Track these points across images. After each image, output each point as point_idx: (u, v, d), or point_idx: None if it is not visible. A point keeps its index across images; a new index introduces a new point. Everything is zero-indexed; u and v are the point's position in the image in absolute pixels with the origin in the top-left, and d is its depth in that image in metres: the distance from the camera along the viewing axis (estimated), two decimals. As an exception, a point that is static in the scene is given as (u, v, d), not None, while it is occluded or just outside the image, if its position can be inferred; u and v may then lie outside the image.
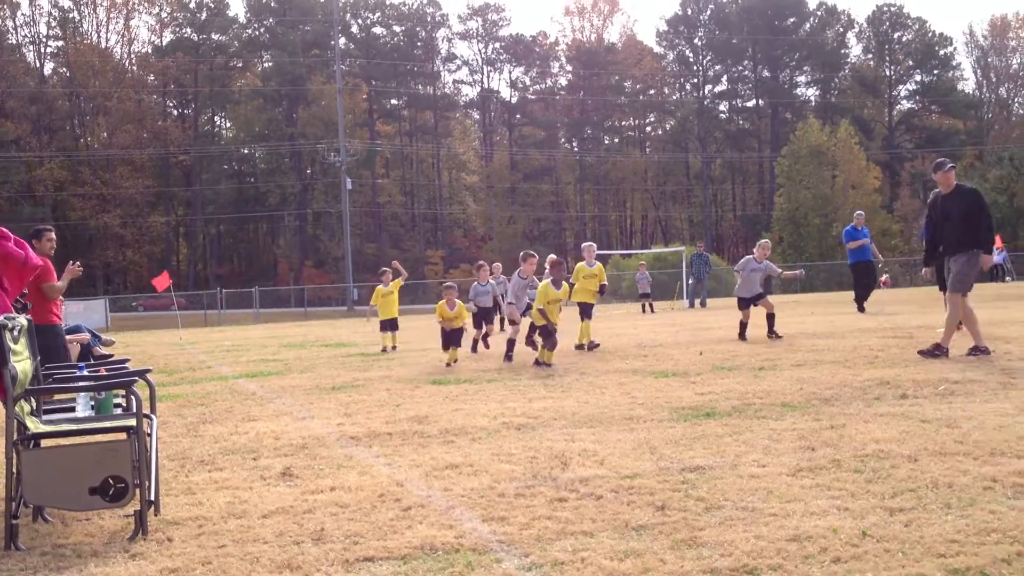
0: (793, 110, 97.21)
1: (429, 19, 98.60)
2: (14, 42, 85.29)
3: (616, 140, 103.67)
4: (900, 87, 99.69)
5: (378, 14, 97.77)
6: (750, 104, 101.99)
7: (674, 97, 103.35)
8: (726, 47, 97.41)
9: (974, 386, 8.14)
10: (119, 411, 5.40)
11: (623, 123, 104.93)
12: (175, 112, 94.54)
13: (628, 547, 4.03)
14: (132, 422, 4.64)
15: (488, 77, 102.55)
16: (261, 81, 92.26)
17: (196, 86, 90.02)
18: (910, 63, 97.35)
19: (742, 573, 3.66)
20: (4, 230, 6.14)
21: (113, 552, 4.34)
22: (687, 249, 34.29)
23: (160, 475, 5.24)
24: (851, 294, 21.85)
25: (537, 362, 11.92)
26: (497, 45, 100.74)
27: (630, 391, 9.02)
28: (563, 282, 12.30)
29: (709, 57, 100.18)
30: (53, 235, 9.54)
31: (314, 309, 57.16)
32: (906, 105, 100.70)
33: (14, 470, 4.55)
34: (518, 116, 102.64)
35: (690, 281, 30.92)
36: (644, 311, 28.38)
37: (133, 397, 4.77)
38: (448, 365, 12.63)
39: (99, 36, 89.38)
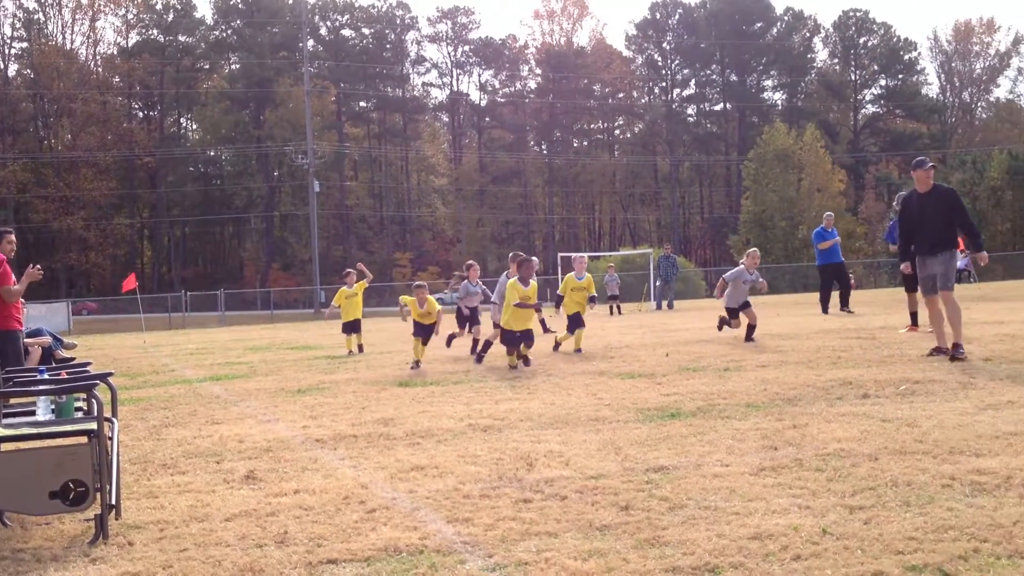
0: (760, 114, 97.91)
1: (398, 21, 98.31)
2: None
3: (585, 143, 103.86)
4: (865, 91, 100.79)
5: (347, 16, 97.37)
6: (718, 108, 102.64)
7: (643, 100, 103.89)
8: (694, 51, 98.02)
9: (935, 386, 8.24)
10: (80, 415, 5.34)
11: (592, 126, 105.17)
12: (141, 114, 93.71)
13: (592, 547, 4.05)
14: (93, 426, 4.60)
15: (457, 80, 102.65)
16: (228, 83, 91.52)
17: (162, 88, 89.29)
18: (875, 68, 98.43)
19: (704, 571, 3.69)
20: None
21: (73, 556, 4.30)
22: (655, 251, 34.39)
23: (122, 479, 5.20)
24: (816, 295, 21.90)
25: (521, 358, 11.93)
26: (466, 48, 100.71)
27: (596, 392, 9.05)
28: (531, 280, 12.22)
29: (677, 61, 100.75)
30: (13, 237, 9.44)
31: (280, 312, 56.73)
32: (871, 109, 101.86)
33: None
34: (487, 119, 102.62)
35: (657, 283, 31.02)
36: (612, 313, 28.46)
37: (94, 401, 4.73)
38: (414, 364, 12.46)
39: (64, 37, 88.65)
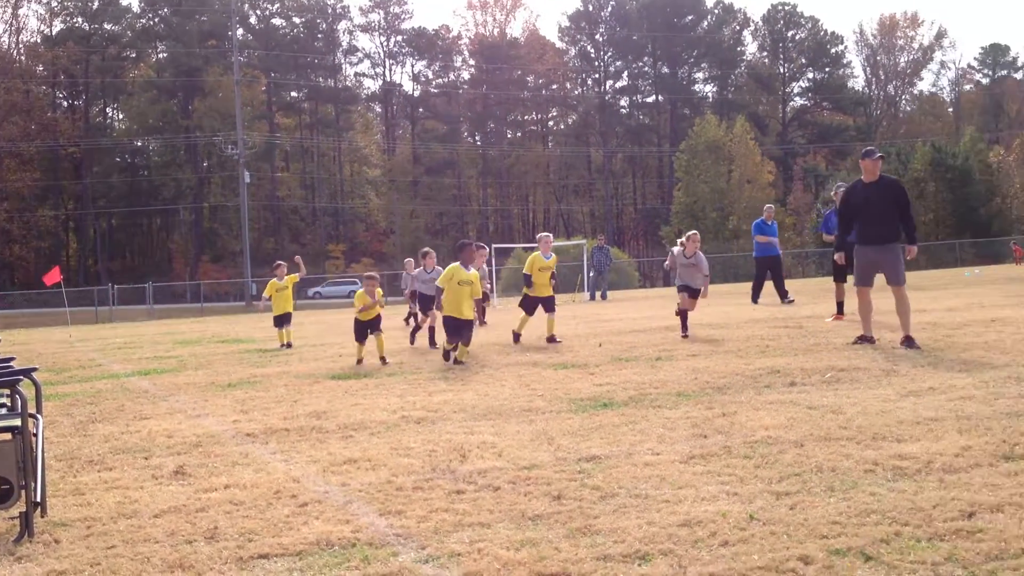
0: (691, 106, 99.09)
1: (330, 11, 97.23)
2: None
3: (519, 134, 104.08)
4: (793, 84, 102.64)
5: (277, 5, 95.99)
6: (650, 100, 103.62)
7: (576, 92, 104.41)
8: (626, 44, 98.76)
9: (859, 373, 8.44)
10: (3, 411, 5.21)
11: (526, 117, 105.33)
12: (65, 103, 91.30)
13: (524, 537, 4.08)
14: (16, 422, 4.50)
15: (390, 70, 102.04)
16: (155, 72, 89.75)
17: (87, 77, 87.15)
18: (803, 61, 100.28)
19: (634, 559, 3.74)
20: None
21: (-5, 556, 4.21)
22: (588, 242, 34.55)
23: (47, 476, 5.10)
24: (748, 285, 22.04)
25: (453, 359, 11.47)
26: (399, 38, 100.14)
27: (530, 383, 9.09)
28: (471, 267, 12.09)
29: (610, 53, 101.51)
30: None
31: (211, 305, 55.92)
32: (799, 102, 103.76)
33: None
34: (420, 110, 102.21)
35: (591, 274, 31.19)
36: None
37: (18, 396, 4.62)
38: (359, 362, 12.19)
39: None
